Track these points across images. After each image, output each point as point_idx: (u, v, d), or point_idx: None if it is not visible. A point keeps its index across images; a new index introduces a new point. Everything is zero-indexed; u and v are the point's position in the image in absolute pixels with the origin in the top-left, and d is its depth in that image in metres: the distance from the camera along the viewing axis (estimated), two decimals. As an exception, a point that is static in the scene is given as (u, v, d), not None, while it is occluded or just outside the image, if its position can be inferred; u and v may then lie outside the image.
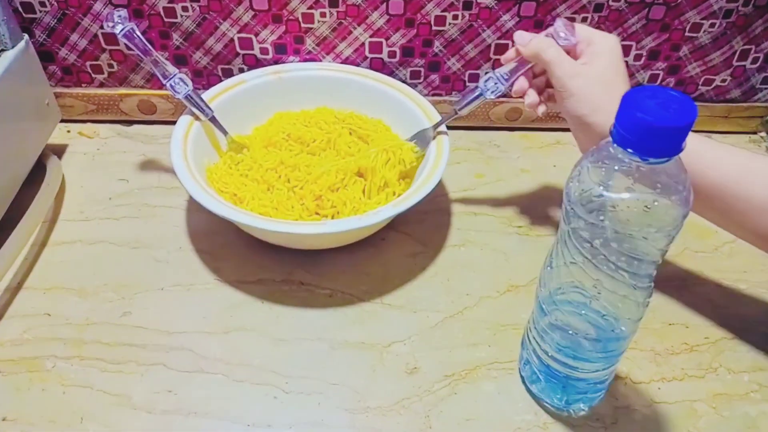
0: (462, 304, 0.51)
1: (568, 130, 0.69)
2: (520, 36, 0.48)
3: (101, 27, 0.59)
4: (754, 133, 0.70)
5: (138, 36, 0.51)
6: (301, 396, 0.44)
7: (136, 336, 0.47)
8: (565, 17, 0.60)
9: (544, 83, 0.50)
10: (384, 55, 0.62)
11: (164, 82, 0.52)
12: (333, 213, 0.52)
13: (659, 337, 0.49)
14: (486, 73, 0.50)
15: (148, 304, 0.49)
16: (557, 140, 0.68)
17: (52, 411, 0.42)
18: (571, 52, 0.47)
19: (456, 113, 0.52)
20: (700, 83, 0.66)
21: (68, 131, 0.65)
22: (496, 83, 0.50)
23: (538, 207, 0.60)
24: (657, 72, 0.65)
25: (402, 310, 0.50)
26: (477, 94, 0.51)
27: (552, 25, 0.47)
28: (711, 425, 0.44)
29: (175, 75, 0.52)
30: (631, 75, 0.65)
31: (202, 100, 0.54)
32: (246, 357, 0.46)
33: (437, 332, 0.49)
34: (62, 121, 0.64)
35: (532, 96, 0.49)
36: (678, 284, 0.53)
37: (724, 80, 0.66)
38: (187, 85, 0.53)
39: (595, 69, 0.45)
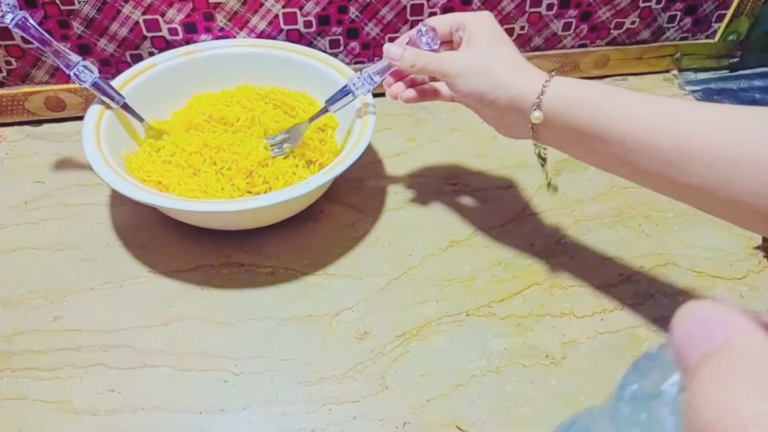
0: (406, 265, 0.51)
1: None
2: (390, 51, 0.46)
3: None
4: (667, 71, 0.73)
5: (32, 25, 0.48)
6: (253, 376, 0.43)
7: (70, 339, 0.44)
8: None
9: (427, 78, 0.50)
10: (300, 26, 0.61)
11: (68, 71, 0.49)
12: (266, 189, 0.51)
13: (597, 272, 0.51)
14: (358, 72, 0.51)
15: (79, 306, 0.47)
16: (483, 97, 0.69)
17: (-15, 429, 0.39)
18: (449, 44, 0.47)
19: (327, 110, 0.52)
20: (612, 27, 0.68)
21: (-30, 138, 0.60)
22: (363, 83, 0.50)
23: (471, 163, 0.61)
24: (570, 20, 0.66)
25: (346, 278, 0.50)
26: (345, 92, 0.51)
27: (417, 32, 0.47)
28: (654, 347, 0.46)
29: (78, 63, 0.49)
30: (546, 25, 0.66)
31: (111, 87, 0.51)
32: (190, 345, 0.44)
33: (384, 295, 0.49)
34: (-38, 128, 0.60)
35: (396, 88, 0.49)
36: (610, 220, 0.55)
37: (633, 22, 0.68)
38: (93, 73, 0.50)
39: (477, 49, 0.43)
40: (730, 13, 0.69)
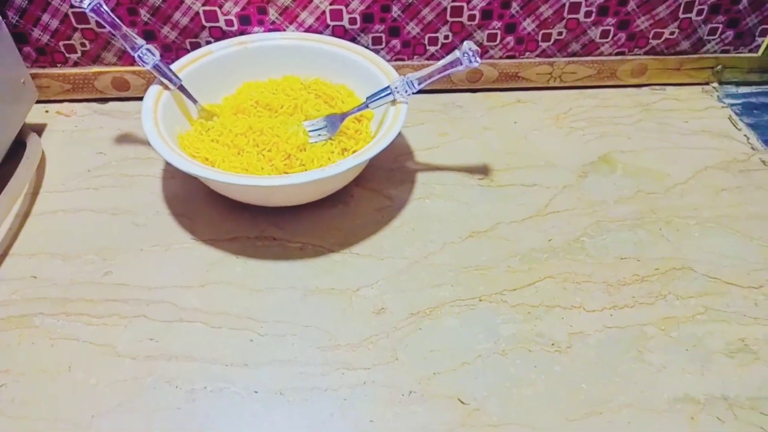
0: (427, 251, 0.54)
1: (527, 89, 0.73)
2: None
3: (71, 5, 0.61)
4: (707, 84, 0.73)
5: (105, 10, 0.53)
6: (276, 338, 0.47)
7: (118, 292, 0.50)
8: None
9: None
10: (345, 22, 0.65)
11: (133, 53, 0.55)
12: (301, 171, 0.55)
13: (612, 271, 0.52)
14: (402, 76, 0.55)
15: (128, 264, 0.52)
16: (518, 99, 0.71)
17: (41, 362, 0.45)
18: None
19: (367, 106, 0.57)
20: (650, 37, 0.69)
21: (46, 111, 0.67)
22: (405, 87, 0.55)
23: (499, 160, 0.63)
24: (608, 28, 0.68)
25: (370, 258, 0.53)
26: (387, 93, 0.56)
27: (463, 54, 0.52)
28: (660, 345, 0.47)
29: (142, 46, 0.55)
30: (583, 31, 0.68)
31: (170, 69, 0.56)
32: (223, 306, 0.49)
33: (403, 276, 0.52)
34: (40, 101, 0.67)
35: None
36: (631, 223, 0.57)
37: (672, 33, 0.69)
38: (155, 56, 0.55)
39: None
40: (774, 27, 0.69)
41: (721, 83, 0.73)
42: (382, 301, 0.50)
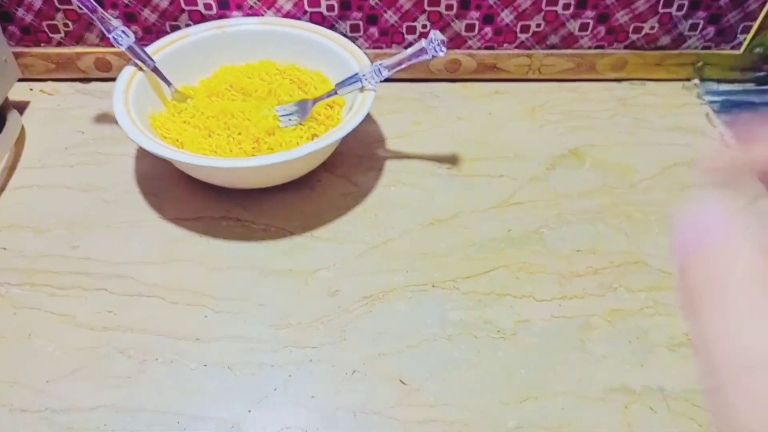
0: (386, 236, 0.55)
1: (506, 80, 0.73)
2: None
3: (53, -13, 0.62)
4: (688, 80, 0.73)
5: (82, -8, 0.55)
6: (230, 315, 0.49)
7: (83, 266, 0.51)
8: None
9: None
10: (323, 9, 0.66)
11: (108, 35, 0.56)
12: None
13: (567, 262, 0.53)
14: (373, 63, 0.56)
15: (95, 239, 0.54)
16: (496, 90, 0.72)
17: (3, 329, 0.47)
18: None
19: (336, 93, 0.58)
20: (630, 31, 0.69)
21: (30, 89, 0.69)
22: (372, 75, 0.56)
23: (469, 150, 0.64)
24: (587, 21, 0.68)
25: (329, 242, 0.54)
26: (355, 80, 0.56)
27: (429, 42, 0.53)
28: (604, 336, 0.48)
29: (117, 28, 0.56)
30: (562, 24, 0.68)
31: (144, 51, 0.58)
32: (182, 283, 0.51)
33: (360, 260, 0.53)
34: (25, 79, 0.69)
35: None
36: (592, 216, 0.57)
37: (652, 27, 0.68)
38: (129, 37, 0.56)
39: None
40: (756, 25, 0.68)
41: (702, 80, 0.73)
42: (336, 284, 0.51)
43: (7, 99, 0.63)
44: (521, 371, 0.45)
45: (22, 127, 0.63)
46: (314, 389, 0.44)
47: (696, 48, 0.71)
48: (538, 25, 0.68)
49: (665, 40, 0.70)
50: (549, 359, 0.46)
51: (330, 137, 0.52)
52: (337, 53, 0.62)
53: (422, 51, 0.54)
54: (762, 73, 0.73)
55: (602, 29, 0.69)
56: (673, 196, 0.59)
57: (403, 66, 0.56)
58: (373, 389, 0.44)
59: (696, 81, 0.73)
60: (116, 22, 0.56)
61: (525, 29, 0.68)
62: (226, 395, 0.44)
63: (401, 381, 0.45)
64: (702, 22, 0.68)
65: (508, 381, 0.45)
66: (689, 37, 0.70)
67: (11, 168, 0.60)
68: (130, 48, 0.57)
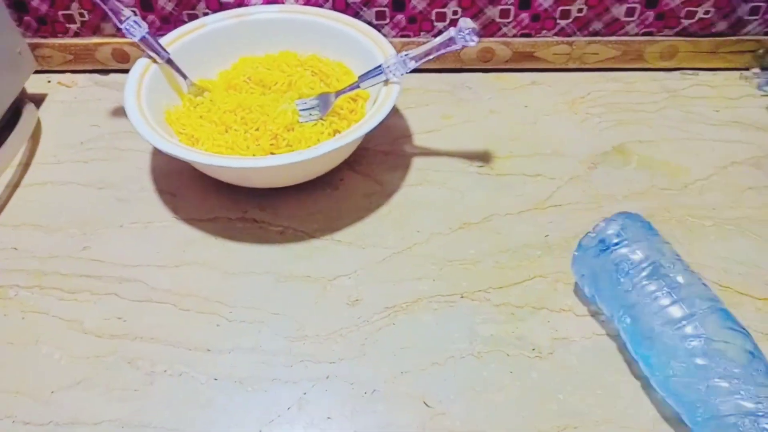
0: (411, 241, 0.51)
1: (544, 70, 0.68)
2: None
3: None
4: (746, 69, 0.67)
5: (94, -20, 0.52)
6: (243, 324, 0.46)
7: (93, 268, 0.49)
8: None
9: None
10: (347, -5, 0.62)
11: (120, 26, 0.53)
12: (287, 152, 0.53)
13: (610, 273, 0.48)
14: (399, 53, 0.52)
15: (107, 240, 0.51)
16: (533, 81, 0.67)
17: (11, 334, 0.45)
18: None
19: (358, 86, 0.54)
20: (682, 16, 0.63)
21: (48, 81, 0.67)
22: (397, 66, 0.52)
23: (502, 147, 0.59)
24: (634, 5, 0.62)
25: (351, 246, 0.51)
26: (378, 72, 0.53)
27: (458, 31, 0.49)
28: (651, 357, 0.43)
29: (129, 18, 0.53)
30: (606, 8, 0.62)
31: (158, 42, 0.55)
32: (194, 289, 0.48)
33: (383, 267, 0.49)
34: (43, 71, 0.67)
35: None
36: (638, 221, 0.52)
37: (707, 12, 0.62)
38: (142, 28, 0.54)
39: None
40: (827, 7, 0.61)
41: (763, 69, 0.66)
42: (357, 292, 0.47)
43: (24, 91, 0.61)
44: (559, 396, 0.41)
45: (38, 121, 0.61)
46: (330, 410, 0.41)
47: (756, 34, 0.64)
48: (580, 10, 0.63)
49: (722, 25, 0.63)
50: (590, 383, 0.42)
51: (351, 135, 0.48)
52: (360, 43, 0.58)
53: (451, 40, 0.50)
54: (831, 62, 0.66)
55: (651, 14, 0.63)
56: (731, 199, 0.53)
57: (431, 57, 0.51)
58: (394, 411, 0.40)
59: (756, 70, 0.66)
60: (128, 12, 0.54)
61: (565, 14, 0.63)
62: (237, 413, 0.41)
63: (425, 403, 0.41)
64: (765, 5, 0.62)
65: (543, 406, 0.40)
66: (749, 22, 0.63)
67: (26, 164, 0.58)
68: (143, 39, 0.54)
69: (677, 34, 0.64)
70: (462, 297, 0.47)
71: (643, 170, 0.57)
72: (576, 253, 0.45)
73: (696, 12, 0.62)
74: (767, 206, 0.53)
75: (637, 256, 0.42)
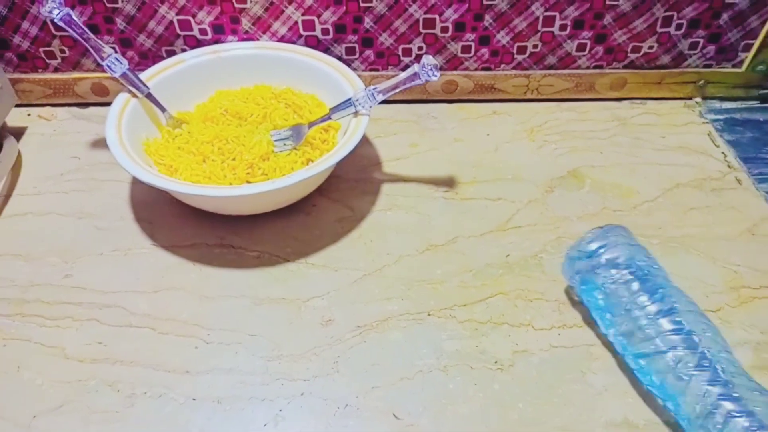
0: (381, 263, 0.54)
1: (503, 100, 0.73)
2: None
3: (45, 15, 0.62)
4: (689, 98, 0.72)
5: (75, 20, 0.55)
6: (221, 346, 0.48)
7: (74, 295, 0.51)
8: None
9: None
10: (318, 33, 0.65)
11: (101, 63, 0.56)
12: (263, 181, 0.56)
13: (567, 289, 0.52)
14: (367, 87, 0.56)
15: (87, 268, 0.53)
16: (494, 110, 0.71)
17: (-8, 361, 0.46)
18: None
19: (330, 117, 0.57)
20: (629, 51, 0.68)
21: (28, 114, 0.69)
22: (366, 99, 0.56)
23: (466, 173, 0.63)
24: (584, 41, 0.67)
25: (324, 269, 0.53)
26: (348, 105, 0.56)
27: (421, 66, 0.52)
28: (605, 366, 0.46)
29: (110, 55, 0.56)
30: (559, 44, 0.67)
31: (138, 78, 0.57)
32: (172, 313, 0.50)
33: (354, 288, 0.52)
34: (23, 105, 0.69)
35: None
36: (592, 241, 0.56)
37: (651, 47, 0.67)
38: (123, 64, 0.56)
39: None
40: (758, 42, 0.67)
41: (704, 98, 0.72)
42: (330, 312, 0.50)
43: (4, 125, 0.63)
44: (519, 405, 0.44)
45: (19, 153, 0.63)
46: (305, 425, 0.43)
47: (697, 66, 0.70)
48: (535, 46, 0.67)
49: (665, 59, 0.69)
50: (548, 392, 0.45)
51: (323, 164, 0.51)
52: (331, 77, 0.62)
53: (415, 75, 0.54)
54: (766, 91, 0.71)
55: (600, 49, 0.68)
56: (676, 219, 0.58)
57: (397, 90, 0.55)
58: (365, 425, 0.43)
59: (698, 99, 0.72)
60: (108, 49, 0.56)
61: (522, 50, 0.68)
62: (215, 431, 0.43)
63: (395, 415, 0.43)
64: (702, 40, 0.67)
65: (505, 416, 0.43)
66: (689, 55, 0.69)
67: (7, 196, 0.59)
68: (124, 75, 0.57)
69: (625, 67, 0.69)
70: (429, 315, 0.50)
71: (595, 193, 0.61)
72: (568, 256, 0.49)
73: (641, 47, 0.67)
74: (708, 225, 0.57)
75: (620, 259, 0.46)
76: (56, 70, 0.67)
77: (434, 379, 0.45)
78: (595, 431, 0.42)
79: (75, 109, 0.70)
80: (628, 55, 0.68)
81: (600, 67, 0.69)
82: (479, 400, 0.44)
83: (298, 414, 0.43)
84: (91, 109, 0.70)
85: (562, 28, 0.66)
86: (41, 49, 0.65)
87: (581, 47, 0.67)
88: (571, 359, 0.47)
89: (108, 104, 0.66)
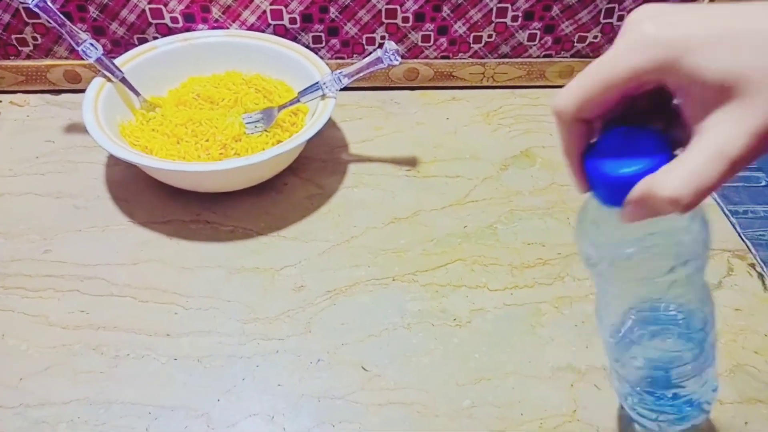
0: (349, 234, 0.58)
1: (462, 87, 0.77)
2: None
3: (19, 2, 0.64)
4: (631, 85, 0.78)
5: (51, 7, 0.57)
6: (199, 311, 0.51)
7: (55, 269, 0.53)
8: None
9: None
10: (285, 22, 0.69)
11: (77, 48, 0.58)
12: (235, 160, 0.59)
13: (518, 255, 0.57)
14: (331, 72, 0.60)
15: (66, 243, 0.55)
16: (453, 97, 0.76)
17: (-23, 331, 0.48)
18: None
19: (299, 101, 0.61)
20: (575, 41, 0.74)
21: (0, 101, 0.70)
22: (333, 82, 0.59)
23: (428, 153, 0.67)
24: (535, 31, 0.72)
25: (295, 240, 0.57)
26: (316, 88, 0.60)
27: (384, 52, 0.57)
28: (552, 321, 0.51)
29: (86, 41, 0.58)
30: (512, 35, 0.72)
31: (113, 63, 0.60)
32: (152, 282, 0.53)
33: (324, 257, 0.56)
34: (-6, 92, 0.70)
35: None
36: (542, 212, 0.61)
37: (596, 36, 0.73)
38: (97, 50, 0.59)
39: None
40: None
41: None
42: (302, 279, 0.54)
43: (-24, 111, 0.64)
44: (475, 355, 0.48)
45: (-8, 138, 0.65)
46: (280, 378, 0.46)
47: (637, 56, 0.76)
48: (490, 36, 0.72)
49: (608, 48, 0.74)
50: (501, 343, 0.49)
51: (292, 142, 0.55)
52: (299, 63, 0.65)
53: (378, 60, 0.58)
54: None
55: (549, 39, 0.73)
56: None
57: (361, 74, 0.59)
58: (337, 376, 0.47)
59: (639, 86, 0.78)
60: (84, 35, 0.59)
61: (477, 40, 0.73)
62: (196, 386, 0.46)
63: (363, 368, 0.47)
64: (641, 31, 0.73)
65: (463, 364, 0.48)
66: (630, 45, 0.75)
67: (-18, 177, 0.61)
68: (98, 60, 0.59)
69: (572, 56, 0.75)
70: (394, 280, 0.54)
71: (545, 170, 0.66)
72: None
73: (587, 37, 0.73)
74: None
75: None
76: (29, 57, 0.69)
77: (399, 336, 0.50)
78: (543, 374, 0.47)
79: (48, 95, 0.71)
80: (575, 44, 0.74)
81: (549, 56, 0.75)
82: (440, 352, 0.49)
83: (274, 369, 0.47)
84: (64, 95, 0.72)
85: (514, 18, 0.71)
86: (13, 36, 0.67)
87: (532, 37, 0.73)
88: (522, 315, 0.52)
89: (81, 91, 0.68)
